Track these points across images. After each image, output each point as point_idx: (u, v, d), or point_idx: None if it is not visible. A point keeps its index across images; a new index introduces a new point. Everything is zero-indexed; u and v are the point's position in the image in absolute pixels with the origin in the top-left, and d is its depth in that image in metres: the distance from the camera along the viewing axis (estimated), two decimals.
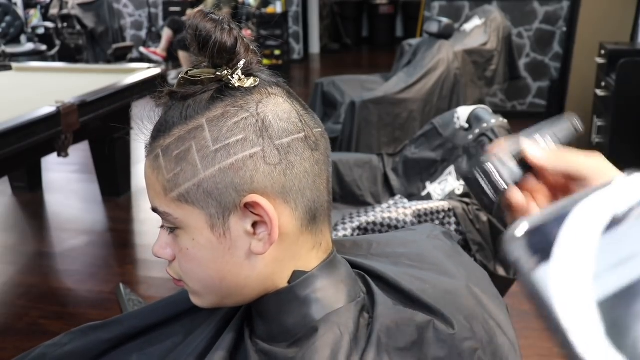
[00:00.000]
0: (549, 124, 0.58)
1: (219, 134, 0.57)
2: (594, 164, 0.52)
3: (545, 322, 0.26)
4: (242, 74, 0.60)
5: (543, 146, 0.56)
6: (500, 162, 0.52)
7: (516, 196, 0.54)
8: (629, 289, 0.26)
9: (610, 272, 0.26)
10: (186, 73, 0.61)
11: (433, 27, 3.54)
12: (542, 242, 0.27)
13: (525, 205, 0.55)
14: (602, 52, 3.21)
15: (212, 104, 0.58)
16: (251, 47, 0.60)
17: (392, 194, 2.20)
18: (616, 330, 0.25)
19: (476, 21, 3.74)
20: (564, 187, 0.54)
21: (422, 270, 0.70)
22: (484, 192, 0.52)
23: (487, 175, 0.51)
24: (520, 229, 0.27)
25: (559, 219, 0.28)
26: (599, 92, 3.13)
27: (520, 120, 4.48)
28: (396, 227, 1.64)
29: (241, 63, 0.59)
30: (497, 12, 3.73)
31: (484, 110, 2.03)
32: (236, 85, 0.59)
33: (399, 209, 1.67)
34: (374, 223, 1.65)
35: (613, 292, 0.26)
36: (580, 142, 3.76)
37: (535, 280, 0.26)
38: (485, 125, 1.94)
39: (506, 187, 0.52)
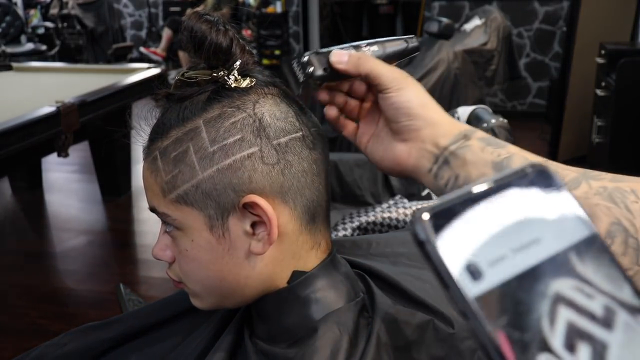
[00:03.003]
0: (386, 39, 0.64)
1: (216, 135, 0.57)
2: (393, 75, 0.57)
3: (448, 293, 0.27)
4: (239, 75, 0.60)
5: (359, 54, 0.60)
6: (317, 59, 0.61)
7: (330, 112, 0.63)
8: (532, 271, 0.28)
9: (512, 255, 0.28)
10: (182, 75, 0.61)
11: (433, 27, 3.54)
12: (448, 224, 0.28)
13: (337, 118, 0.64)
14: (602, 52, 3.20)
15: (209, 105, 0.58)
16: (247, 47, 0.61)
17: (392, 194, 2.20)
18: (520, 309, 0.27)
19: (476, 21, 3.74)
20: (366, 94, 0.62)
21: (422, 269, 0.70)
22: (295, 74, 0.62)
23: (303, 65, 0.61)
24: (429, 210, 0.28)
25: (467, 202, 0.29)
26: (599, 92, 3.13)
27: (521, 120, 4.50)
28: (396, 227, 1.64)
29: (237, 64, 0.59)
30: (497, 12, 3.73)
31: (484, 110, 2.03)
32: (232, 85, 0.59)
33: (399, 209, 1.66)
34: (374, 223, 1.65)
35: (516, 274, 0.27)
36: (580, 142, 3.74)
37: (440, 257, 0.28)
38: (485, 125, 1.94)
39: (313, 73, 0.60)
